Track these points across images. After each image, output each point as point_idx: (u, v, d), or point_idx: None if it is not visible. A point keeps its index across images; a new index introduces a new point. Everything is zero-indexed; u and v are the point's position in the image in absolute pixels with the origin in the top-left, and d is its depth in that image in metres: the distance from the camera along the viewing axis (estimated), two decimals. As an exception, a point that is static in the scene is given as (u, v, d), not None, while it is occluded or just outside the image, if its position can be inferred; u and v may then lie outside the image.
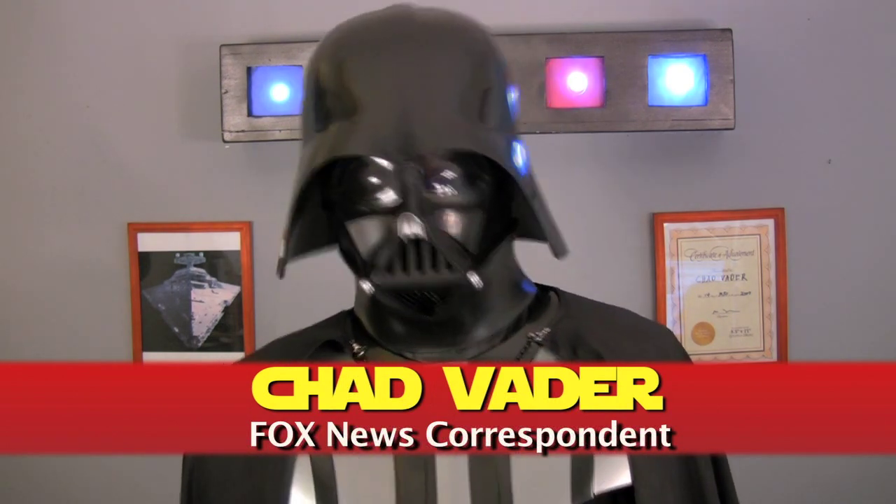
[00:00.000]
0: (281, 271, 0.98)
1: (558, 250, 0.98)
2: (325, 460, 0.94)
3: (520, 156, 0.97)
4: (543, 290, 1.07)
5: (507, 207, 1.00)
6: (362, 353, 1.00)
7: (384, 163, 0.92)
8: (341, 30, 0.99)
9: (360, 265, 0.95)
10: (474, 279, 0.92)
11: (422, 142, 0.90)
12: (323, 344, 1.01)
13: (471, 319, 0.98)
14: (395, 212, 0.92)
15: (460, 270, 0.92)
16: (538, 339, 1.00)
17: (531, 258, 1.06)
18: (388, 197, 0.93)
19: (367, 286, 0.93)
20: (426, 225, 0.90)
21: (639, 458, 0.93)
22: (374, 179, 0.93)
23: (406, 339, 0.99)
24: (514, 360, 0.97)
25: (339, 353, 1.01)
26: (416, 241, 0.91)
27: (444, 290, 0.93)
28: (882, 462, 2.12)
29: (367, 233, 0.94)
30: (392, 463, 0.93)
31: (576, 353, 0.97)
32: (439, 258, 0.91)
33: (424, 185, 0.92)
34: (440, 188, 0.93)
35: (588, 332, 0.99)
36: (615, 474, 0.94)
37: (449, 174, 0.93)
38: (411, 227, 0.89)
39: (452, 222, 0.94)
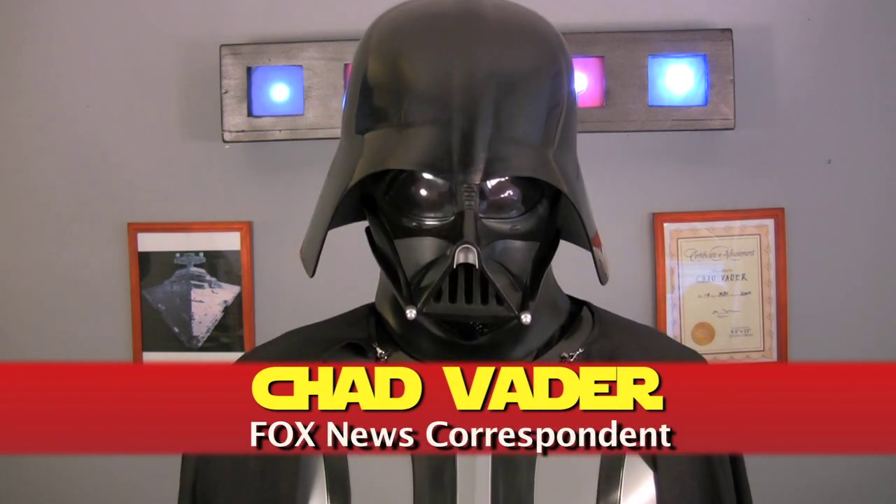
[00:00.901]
0: (312, 270, 0.93)
1: (603, 277, 0.94)
2: (341, 469, 0.92)
3: (581, 175, 0.93)
4: (576, 305, 1.04)
5: (553, 219, 0.94)
6: (386, 358, 0.97)
7: (439, 180, 0.86)
8: (398, 18, 0.90)
9: (403, 286, 0.89)
10: (526, 319, 0.87)
11: (485, 165, 0.84)
12: (345, 345, 0.98)
13: (510, 344, 0.95)
14: (448, 235, 0.86)
15: (511, 306, 0.87)
16: (571, 359, 0.97)
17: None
18: (441, 217, 0.88)
19: (411, 314, 0.87)
20: (482, 257, 0.84)
21: (664, 479, 0.92)
22: (426, 194, 0.88)
23: (436, 355, 0.95)
24: None
25: (361, 356, 0.97)
26: (468, 270, 0.85)
27: (491, 322, 0.90)
28: (882, 462, 2.12)
29: (417, 254, 0.88)
30: (410, 473, 0.91)
31: None
32: (490, 291, 0.86)
33: (482, 209, 0.86)
34: (498, 213, 0.88)
35: (622, 356, 0.96)
36: (643, 493, 0.92)
37: (508, 198, 0.88)
38: (467, 258, 0.83)
39: (508, 254, 0.89)
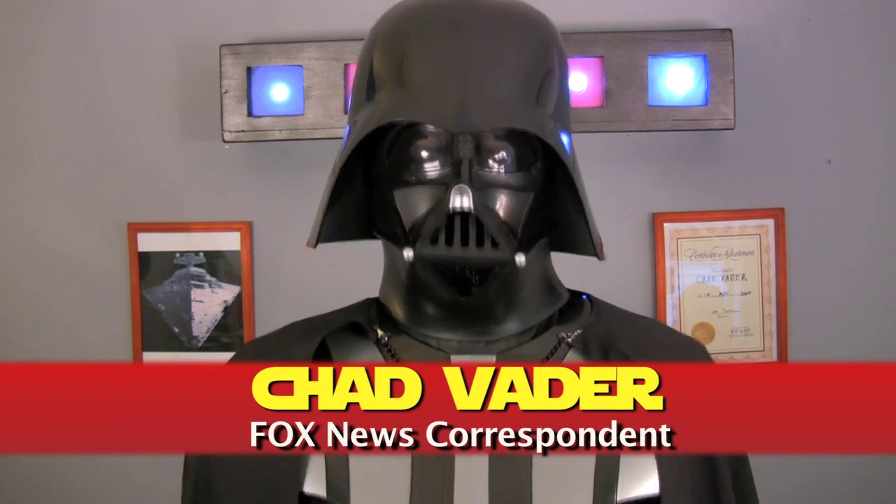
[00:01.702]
0: (315, 241, 0.95)
1: (600, 251, 0.96)
2: (341, 466, 0.93)
3: (570, 148, 0.96)
4: (576, 296, 1.06)
5: (550, 209, 0.98)
6: (385, 338, 0.99)
7: (438, 135, 0.92)
8: (400, 12, 0.97)
9: (401, 235, 0.93)
10: (519, 259, 0.90)
11: (480, 117, 0.89)
12: (346, 327, 1.00)
13: (504, 310, 0.97)
14: (445, 184, 0.90)
15: (505, 250, 0.90)
16: (569, 339, 0.98)
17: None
18: (438, 169, 0.92)
19: (408, 254, 0.91)
20: (476, 200, 0.88)
21: (666, 470, 0.92)
22: (425, 151, 0.93)
23: (436, 323, 0.97)
24: (543, 360, 0.97)
25: (361, 336, 1.00)
26: (464, 216, 0.89)
27: (485, 269, 0.92)
28: (882, 462, 2.12)
29: (415, 202, 0.93)
30: (409, 470, 0.92)
31: (607, 356, 0.96)
32: (485, 235, 0.89)
33: (477, 162, 0.91)
34: (492, 167, 0.92)
35: (620, 338, 0.98)
36: (639, 483, 0.92)
37: (502, 154, 0.93)
38: (462, 200, 0.88)
39: (501, 202, 0.92)
